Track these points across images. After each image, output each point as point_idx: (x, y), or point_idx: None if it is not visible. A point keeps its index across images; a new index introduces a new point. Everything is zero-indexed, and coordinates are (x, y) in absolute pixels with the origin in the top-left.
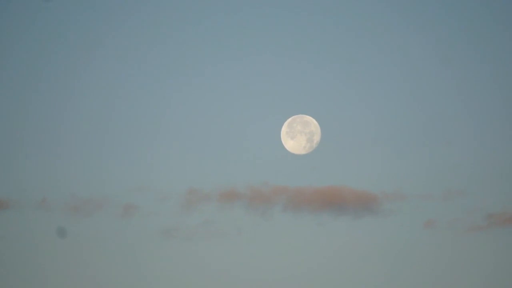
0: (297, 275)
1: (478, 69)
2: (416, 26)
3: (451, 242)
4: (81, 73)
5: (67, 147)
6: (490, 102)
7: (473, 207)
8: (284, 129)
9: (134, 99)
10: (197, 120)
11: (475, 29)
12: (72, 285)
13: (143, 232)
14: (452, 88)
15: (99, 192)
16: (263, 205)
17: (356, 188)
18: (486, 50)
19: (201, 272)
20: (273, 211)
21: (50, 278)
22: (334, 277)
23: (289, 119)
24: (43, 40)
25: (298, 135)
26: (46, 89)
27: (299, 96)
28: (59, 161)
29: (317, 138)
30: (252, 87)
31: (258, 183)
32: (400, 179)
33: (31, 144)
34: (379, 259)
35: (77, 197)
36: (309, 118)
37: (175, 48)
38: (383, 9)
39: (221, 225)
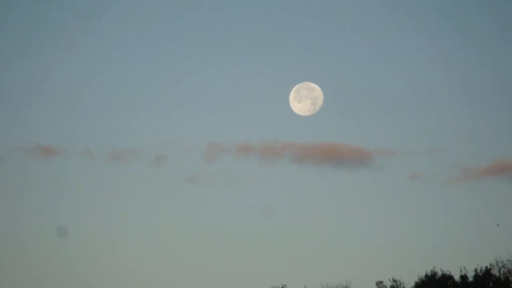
0: (301, 216)
1: (463, 41)
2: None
3: (433, 192)
4: (115, 34)
5: (108, 103)
6: (468, 72)
7: (452, 162)
8: (292, 93)
9: (166, 65)
10: (219, 85)
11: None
12: (108, 224)
13: (171, 178)
14: (437, 59)
15: (134, 143)
16: (273, 157)
17: (353, 144)
18: (467, 22)
19: (220, 213)
20: (282, 163)
21: (90, 215)
22: (332, 219)
23: (296, 86)
24: None
25: (304, 99)
26: (98, 51)
27: (306, 65)
28: (101, 115)
29: (320, 102)
30: (265, 58)
31: (269, 139)
32: (390, 138)
33: (78, 99)
34: (371, 205)
35: (116, 147)
36: (313, 85)
37: (202, 18)
38: None
39: (238, 173)
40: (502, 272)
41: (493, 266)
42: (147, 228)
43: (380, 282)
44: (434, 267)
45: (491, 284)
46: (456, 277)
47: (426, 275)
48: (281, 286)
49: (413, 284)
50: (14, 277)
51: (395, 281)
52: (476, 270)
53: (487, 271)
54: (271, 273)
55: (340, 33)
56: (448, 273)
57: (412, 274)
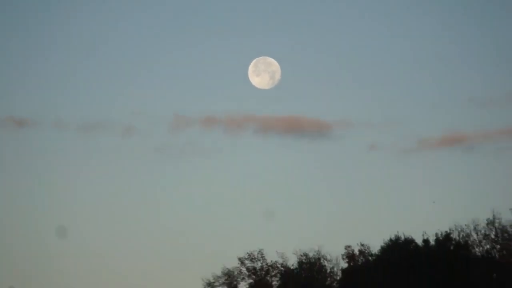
0: (265, 186)
1: (417, 12)
2: None
3: (389, 162)
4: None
5: (78, 75)
6: (423, 45)
7: (407, 133)
8: (251, 68)
9: (134, 38)
10: (183, 59)
11: None
12: (79, 194)
13: (140, 149)
14: (394, 32)
15: (104, 115)
16: (236, 129)
17: (312, 117)
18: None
19: (188, 183)
20: (245, 134)
21: (62, 185)
22: (295, 188)
23: (254, 60)
24: None
25: (263, 73)
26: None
27: (263, 40)
28: (71, 86)
29: (278, 76)
30: (224, 34)
31: (231, 111)
32: (348, 110)
33: (49, 69)
34: (331, 175)
35: (86, 119)
36: (271, 60)
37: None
38: None
39: (204, 145)
40: (461, 236)
41: (453, 230)
42: (117, 198)
43: (349, 246)
44: (397, 232)
45: (451, 247)
46: (419, 241)
47: (391, 240)
48: (258, 250)
49: (379, 248)
50: None
51: (362, 245)
52: (436, 234)
53: (447, 235)
54: (246, 240)
55: (295, 7)
56: (410, 237)
57: (378, 239)
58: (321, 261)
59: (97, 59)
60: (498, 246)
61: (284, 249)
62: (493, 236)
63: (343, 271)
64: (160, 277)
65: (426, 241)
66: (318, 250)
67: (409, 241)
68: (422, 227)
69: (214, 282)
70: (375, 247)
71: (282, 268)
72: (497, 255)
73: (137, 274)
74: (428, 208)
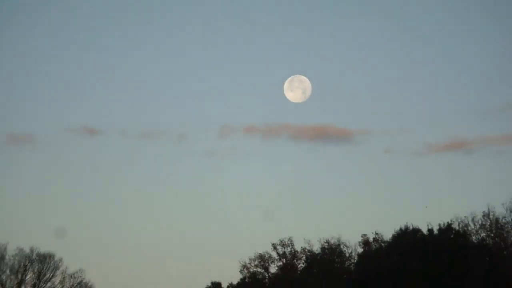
0: (297, 185)
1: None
2: None
3: (401, 164)
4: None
5: (142, 87)
6: (433, 65)
7: (417, 139)
8: (286, 84)
9: (182, 56)
10: (231, 76)
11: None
12: (138, 192)
13: (191, 153)
14: (404, 53)
15: (162, 124)
16: (273, 136)
17: (337, 126)
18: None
19: (230, 182)
20: (280, 141)
21: (121, 185)
22: (323, 187)
23: (289, 78)
24: None
25: (296, 89)
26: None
27: (296, 60)
28: (135, 99)
29: (308, 92)
30: (265, 55)
31: (269, 121)
32: (367, 120)
33: (118, 83)
34: (353, 174)
35: (147, 127)
36: (303, 78)
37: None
38: None
39: (245, 149)
40: (460, 226)
41: (454, 221)
42: (172, 194)
43: (365, 235)
44: (406, 223)
45: (452, 236)
46: (424, 231)
47: (400, 229)
48: (288, 237)
49: (390, 236)
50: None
51: (377, 233)
52: (439, 224)
53: (449, 225)
54: (276, 230)
55: (325, 33)
56: (417, 227)
57: (390, 229)
58: (341, 247)
59: (155, 77)
60: (492, 235)
61: (310, 237)
62: (488, 226)
63: (359, 255)
64: (205, 258)
65: (430, 231)
66: (339, 238)
67: (416, 231)
68: (428, 219)
69: (249, 263)
70: (387, 235)
71: (308, 253)
72: (491, 242)
73: (192, 255)
74: (432, 202)
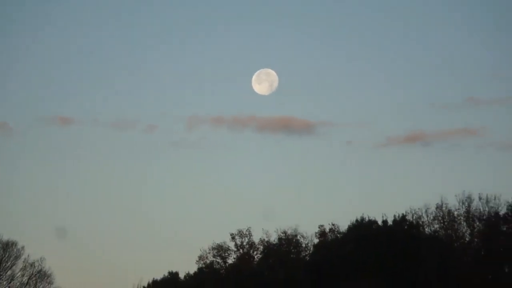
0: (262, 176)
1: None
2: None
3: (362, 155)
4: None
5: (114, 78)
6: (391, 57)
7: (377, 132)
8: (254, 77)
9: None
10: (199, 69)
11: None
12: (108, 181)
13: (160, 143)
14: (365, 47)
15: (133, 114)
16: (240, 127)
17: (301, 117)
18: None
19: (199, 173)
20: (247, 132)
21: (95, 176)
22: (283, 176)
23: (257, 71)
24: None
25: (263, 82)
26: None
27: (265, 54)
28: (108, 90)
29: (275, 84)
30: (233, 49)
31: (236, 113)
32: (330, 112)
33: (91, 73)
34: (315, 165)
35: (118, 117)
36: (271, 71)
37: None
38: None
39: (212, 140)
40: (414, 217)
41: (408, 213)
42: (141, 184)
43: (322, 226)
44: (362, 214)
45: (405, 227)
46: (379, 222)
47: (356, 220)
48: (246, 228)
49: (346, 227)
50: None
51: (333, 224)
52: (394, 216)
53: (403, 217)
54: (238, 219)
55: (292, 29)
56: (373, 218)
57: (347, 220)
58: (298, 237)
59: (127, 68)
60: (444, 226)
61: (269, 227)
62: (440, 218)
63: (315, 246)
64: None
65: (385, 222)
66: (295, 229)
67: (372, 222)
68: (383, 210)
69: (208, 253)
70: (344, 226)
71: (266, 244)
72: (443, 234)
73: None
74: (389, 194)
